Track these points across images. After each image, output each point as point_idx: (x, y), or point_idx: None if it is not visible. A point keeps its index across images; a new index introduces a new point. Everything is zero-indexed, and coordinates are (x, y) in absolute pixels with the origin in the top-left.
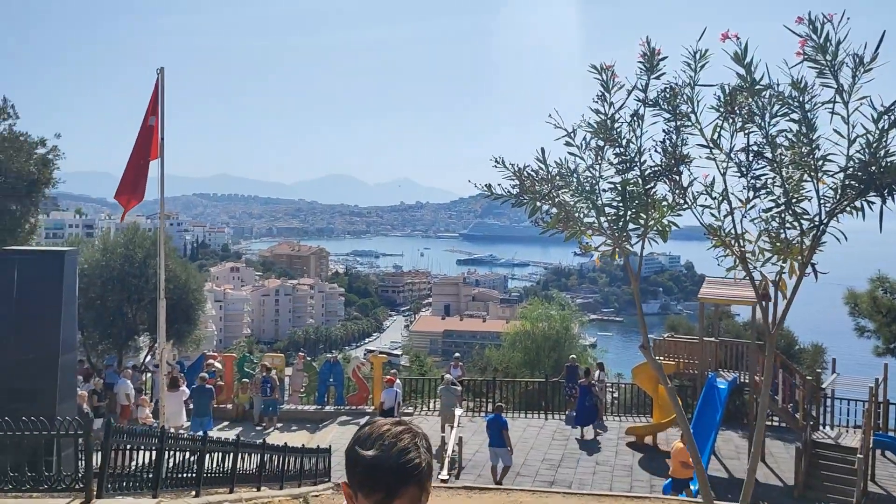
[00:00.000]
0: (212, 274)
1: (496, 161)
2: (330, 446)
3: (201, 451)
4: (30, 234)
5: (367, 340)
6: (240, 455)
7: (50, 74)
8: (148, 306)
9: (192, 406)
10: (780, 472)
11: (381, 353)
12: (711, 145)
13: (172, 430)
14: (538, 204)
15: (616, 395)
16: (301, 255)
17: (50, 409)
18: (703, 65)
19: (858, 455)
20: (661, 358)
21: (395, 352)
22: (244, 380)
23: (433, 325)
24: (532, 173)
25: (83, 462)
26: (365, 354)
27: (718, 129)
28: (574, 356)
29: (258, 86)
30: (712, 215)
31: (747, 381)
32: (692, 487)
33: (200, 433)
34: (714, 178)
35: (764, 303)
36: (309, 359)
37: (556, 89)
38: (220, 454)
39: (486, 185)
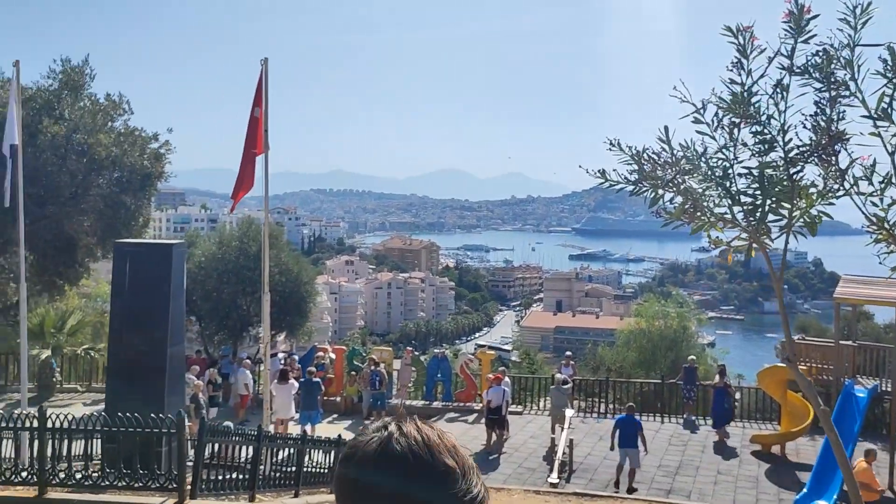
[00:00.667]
0: (328, 267)
1: (611, 143)
2: None
3: (300, 449)
4: (143, 228)
5: (477, 335)
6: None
7: (168, 72)
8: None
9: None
10: None
11: (490, 348)
12: (877, 117)
13: (280, 422)
14: (660, 192)
15: (738, 399)
16: (412, 249)
17: (159, 402)
18: (865, 21)
19: None
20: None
21: (505, 347)
22: (352, 372)
23: (544, 321)
24: (653, 156)
25: (177, 460)
26: (474, 349)
27: (886, 99)
28: (693, 357)
29: (369, 82)
30: (874, 204)
31: (889, 388)
32: None
33: (308, 427)
34: (875, 159)
35: None
36: (417, 353)
37: (670, 70)
38: (321, 451)
39: (599, 172)
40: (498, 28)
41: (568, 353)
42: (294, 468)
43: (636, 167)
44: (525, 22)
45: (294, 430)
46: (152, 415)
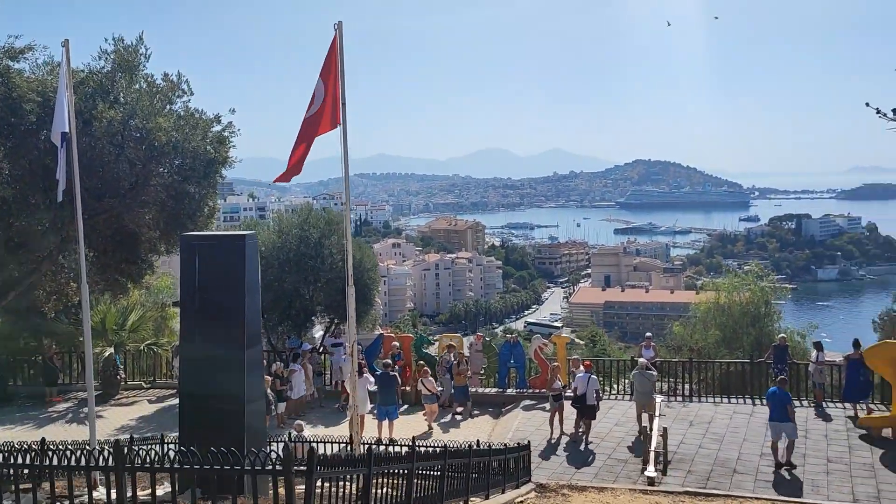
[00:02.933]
0: (374, 250)
1: None
2: (529, 442)
3: (410, 469)
4: (209, 218)
5: (526, 312)
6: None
7: (219, 57)
8: (325, 287)
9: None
10: None
11: (540, 325)
12: None
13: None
14: None
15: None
16: (458, 230)
17: (238, 412)
18: None
19: None
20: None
21: (556, 324)
22: (420, 361)
23: (593, 297)
24: None
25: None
26: (548, 334)
27: None
28: (784, 335)
29: (407, 65)
30: None
31: None
32: None
33: (385, 422)
34: None
35: None
36: (488, 339)
37: (720, 43)
38: (429, 467)
39: (894, 112)
40: (532, 6)
41: (648, 334)
42: (403, 496)
43: None
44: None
45: (371, 425)
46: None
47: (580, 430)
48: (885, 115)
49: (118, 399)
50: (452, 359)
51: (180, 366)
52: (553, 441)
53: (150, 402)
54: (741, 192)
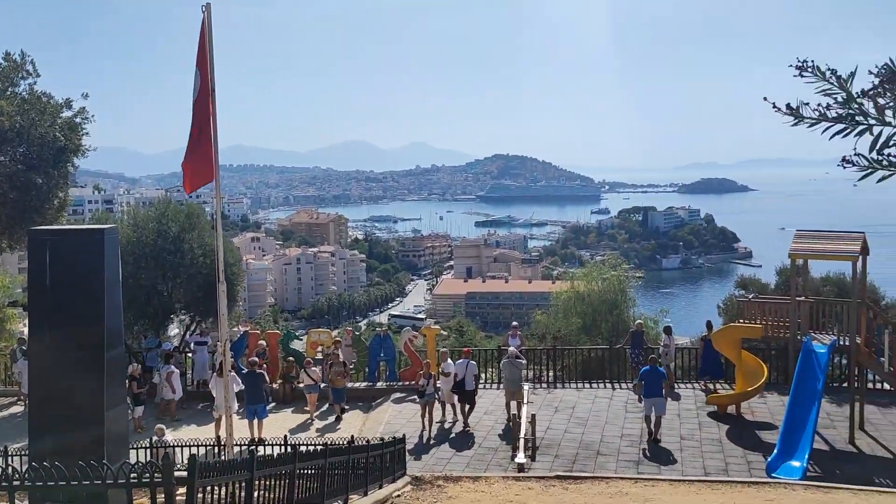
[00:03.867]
0: (233, 245)
1: (800, 66)
2: (404, 435)
3: (292, 470)
4: (59, 212)
5: (390, 305)
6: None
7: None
8: (185, 283)
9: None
10: (887, 443)
11: (404, 317)
12: None
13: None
14: (888, 126)
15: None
16: (320, 223)
17: (97, 419)
18: None
19: None
20: (746, 321)
21: (419, 316)
22: (289, 358)
23: (456, 288)
24: (889, 74)
25: None
26: (415, 326)
27: None
28: (640, 321)
29: (266, 53)
30: None
31: (846, 343)
32: None
33: (255, 422)
34: None
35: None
36: (357, 333)
37: (576, 45)
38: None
39: (788, 107)
40: (398, 1)
41: (514, 323)
42: (284, 497)
43: (844, 95)
44: None
45: (241, 424)
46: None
47: (457, 415)
48: (780, 109)
49: None
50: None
51: (30, 371)
52: (425, 433)
53: None
54: (593, 186)
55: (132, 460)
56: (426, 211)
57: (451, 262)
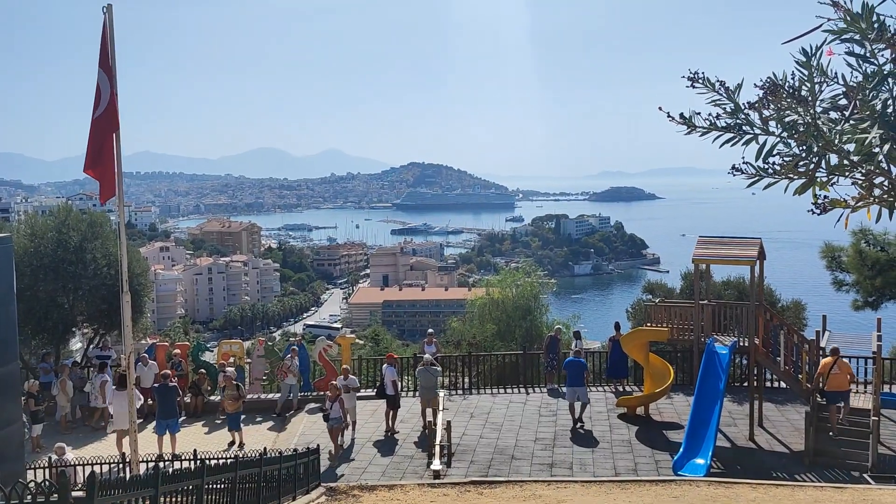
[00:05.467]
0: (140, 255)
1: (692, 77)
2: (318, 446)
3: (200, 484)
4: None
5: (305, 315)
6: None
7: None
8: (87, 295)
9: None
10: (783, 438)
11: (319, 327)
12: None
13: (123, 434)
14: (768, 139)
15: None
16: (232, 232)
17: None
18: None
19: (872, 417)
20: (653, 324)
21: (335, 325)
22: (201, 370)
23: (372, 297)
24: (772, 86)
25: None
26: (330, 336)
27: None
28: (559, 327)
29: (175, 57)
30: None
31: (745, 344)
32: None
33: (166, 437)
34: None
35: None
36: (270, 343)
37: (493, 54)
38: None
39: (681, 116)
40: (315, 4)
41: (430, 330)
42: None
43: (731, 106)
44: None
45: (149, 440)
46: None
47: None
48: (674, 118)
49: None
50: (288, 363)
51: None
52: (339, 444)
53: None
54: (507, 195)
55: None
56: (342, 219)
57: (368, 271)
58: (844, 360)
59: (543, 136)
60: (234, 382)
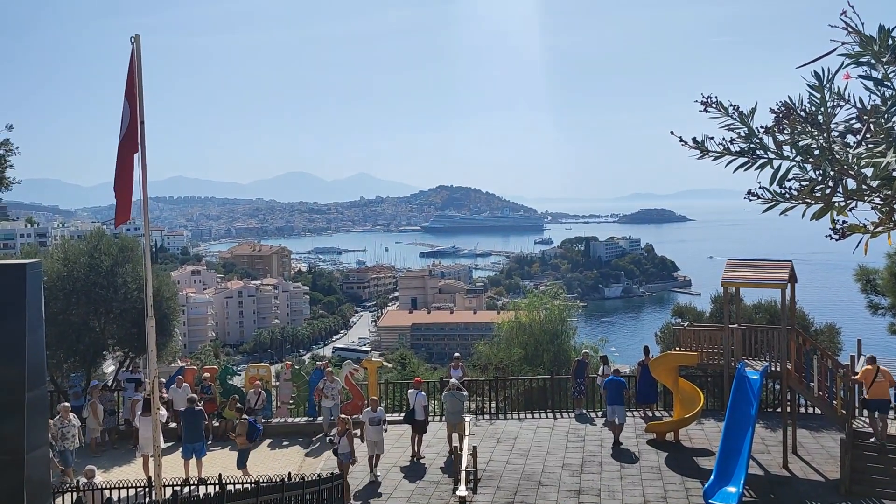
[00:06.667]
0: (172, 278)
1: (705, 101)
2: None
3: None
4: None
5: (334, 338)
6: None
7: None
8: (118, 318)
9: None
10: (818, 466)
11: (349, 350)
12: None
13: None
14: (783, 163)
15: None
16: (262, 256)
17: (17, 462)
18: None
19: None
20: (682, 348)
21: (364, 348)
22: (234, 396)
23: (401, 319)
24: (786, 110)
25: None
26: (357, 359)
27: None
28: (587, 351)
29: (207, 84)
30: None
31: (777, 369)
32: None
33: (192, 461)
34: None
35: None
36: (297, 367)
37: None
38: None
39: (694, 140)
40: (340, 31)
41: (456, 354)
42: None
43: (745, 131)
44: (370, 23)
45: (177, 463)
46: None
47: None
48: (686, 143)
49: None
50: (324, 387)
51: None
52: (366, 468)
53: None
54: (536, 217)
55: None
56: (371, 242)
57: (396, 294)
58: (885, 368)
59: (573, 159)
60: (242, 417)
